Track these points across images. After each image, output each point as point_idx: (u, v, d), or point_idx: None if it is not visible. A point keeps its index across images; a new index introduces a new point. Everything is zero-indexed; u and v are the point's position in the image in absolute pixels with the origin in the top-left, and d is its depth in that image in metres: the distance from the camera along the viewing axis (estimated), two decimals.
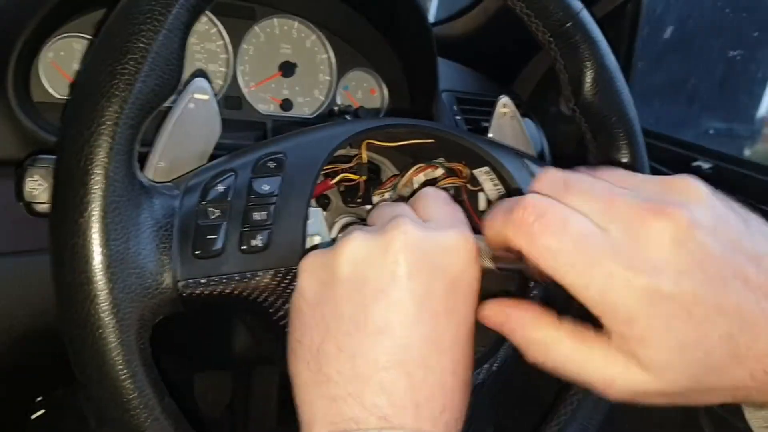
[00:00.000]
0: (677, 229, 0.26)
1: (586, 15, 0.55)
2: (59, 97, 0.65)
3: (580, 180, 0.29)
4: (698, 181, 0.29)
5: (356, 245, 0.34)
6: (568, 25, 0.54)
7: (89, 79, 0.37)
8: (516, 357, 0.51)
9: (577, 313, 0.31)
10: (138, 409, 0.37)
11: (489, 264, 0.35)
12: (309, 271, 0.36)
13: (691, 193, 0.28)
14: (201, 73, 0.72)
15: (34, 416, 1.00)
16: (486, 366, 0.49)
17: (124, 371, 0.36)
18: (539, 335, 0.32)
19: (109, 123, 0.36)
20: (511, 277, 0.51)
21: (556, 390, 0.58)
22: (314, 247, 0.41)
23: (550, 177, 0.30)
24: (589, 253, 0.27)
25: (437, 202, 0.38)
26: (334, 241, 0.51)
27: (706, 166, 0.89)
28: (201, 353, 0.95)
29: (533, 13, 0.54)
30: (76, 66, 0.66)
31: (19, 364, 0.70)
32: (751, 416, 0.32)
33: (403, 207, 0.38)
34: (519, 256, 0.30)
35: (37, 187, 0.47)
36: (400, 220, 0.34)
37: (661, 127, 1.10)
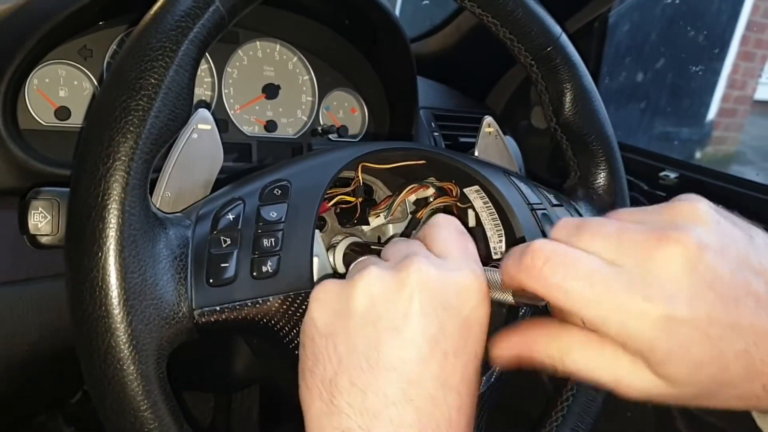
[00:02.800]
0: (686, 254, 0.27)
1: (565, 39, 0.58)
2: (45, 124, 0.65)
3: (590, 221, 0.31)
4: (702, 200, 0.30)
5: (372, 281, 0.35)
6: (549, 49, 0.57)
7: (103, 114, 0.38)
8: (511, 373, 0.54)
9: None
10: None
11: (508, 298, 0.36)
12: (322, 301, 0.37)
13: (696, 214, 0.29)
14: (202, 104, 0.73)
15: None
16: (484, 378, 0.51)
17: (145, 401, 0.37)
18: (551, 351, 0.33)
19: (124, 158, 0.37)
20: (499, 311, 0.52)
21: (543, 405, 0.60)
22: (325, 277, 0.42)
23: (564, 224, 0.32)
24: (601, 288, 0.28)
25: (450, 235, 0.39)
26: (338, 274, 0.53)
27: (672, 175, 0.93)
28: (184, 375, 0.95)
29: (516, 38, 0.57)
30: (61, 93, 0.66)
31: (7, 391, 0.69)
32: (762, 421, 0.34)
33: (417, 244, 0.39)
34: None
35: (42, 220, 0.47)
36: (414, 258, 0.35)
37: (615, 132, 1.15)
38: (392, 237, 0.60)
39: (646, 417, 0.94)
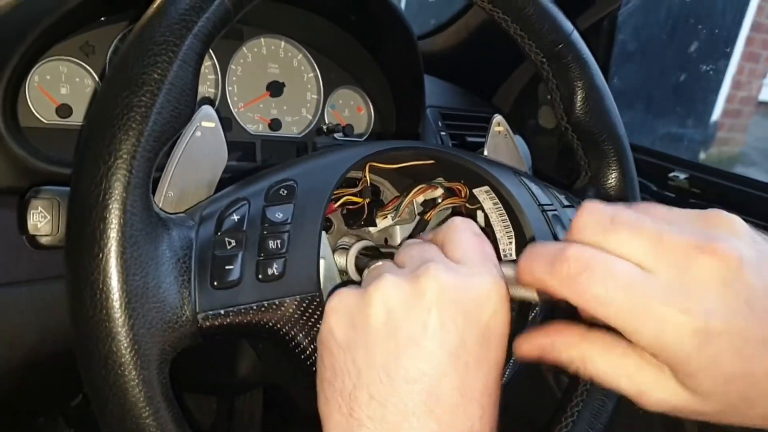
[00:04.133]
0: (726, 269, 0.27)
1: (577, 36, 0.57)
2: (46, 121, 0.64)
3: (625, 216, 0.30)
4: (732, 215, 0.30)
5: (389, 291, 0.34)
6: (561, 46, 0.56)
7: (104, 111, 0.36)
8: (520, 375, 0.52)
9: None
10: None
11: (532, 295, 0.35)
12: (339, 311, 0.36)
13: (733, 228, 0.29)
14: (206, 101, 0.71)
15: None
16: None
17: (147, 408, 0.36)
18: (573, 354, 0.33)
19: (126, 156, 0.35)
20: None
21: (551, 410, 0.59)
22: (340, 285, 0.41)
23: (595, 211, 0.30)
24: (639, 298, 0.27)
25: (466, 238, 0.37)
26: (345, 274, 0.51)
27: (682, 176, 0.92)
28: (186, 376, 0.94)
29: (527, 35, 0.56)
30: (62, 90, 0.65)
31: (6, 394, 0.68)
32: None
33: (433, 249, 0.37)
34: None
35: (41, 220, 0.46)
36: (431, 266, 0.34)
37: None
38: (405, 239, 0.59)
39: (655, 420, 0.92)
